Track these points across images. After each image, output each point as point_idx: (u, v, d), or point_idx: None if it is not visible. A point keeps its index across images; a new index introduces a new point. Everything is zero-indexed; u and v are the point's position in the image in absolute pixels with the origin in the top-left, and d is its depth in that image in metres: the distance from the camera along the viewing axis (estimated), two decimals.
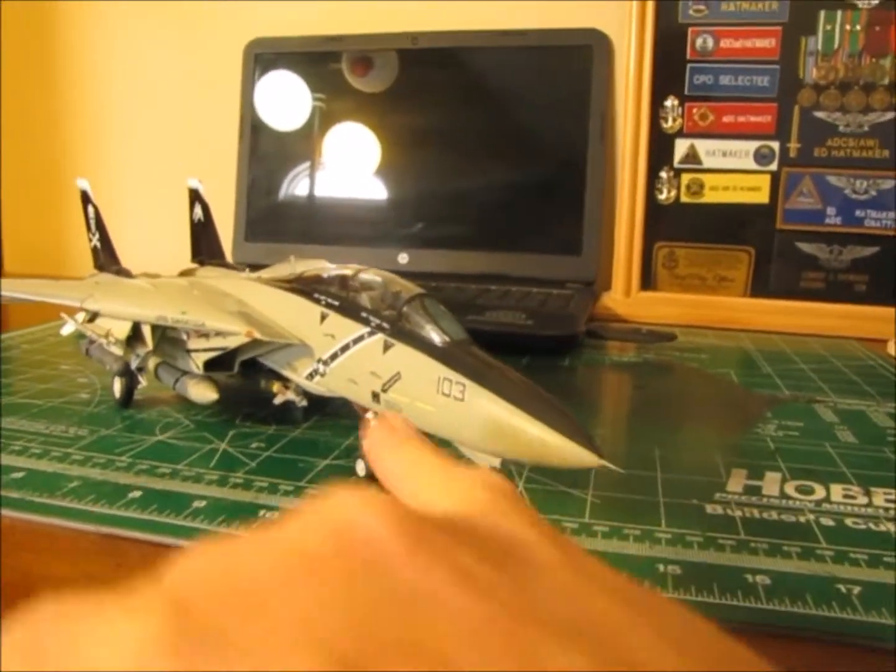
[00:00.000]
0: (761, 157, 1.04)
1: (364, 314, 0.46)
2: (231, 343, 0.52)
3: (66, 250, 1.48)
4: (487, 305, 0.96)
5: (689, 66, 1.05)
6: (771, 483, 0.51)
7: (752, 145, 1.04)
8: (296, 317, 0.51)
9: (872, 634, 0.35)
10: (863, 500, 0.49)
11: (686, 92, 1.05)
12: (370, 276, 0.49)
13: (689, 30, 1.04)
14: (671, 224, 1.08)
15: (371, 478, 0.48)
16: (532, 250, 1.17)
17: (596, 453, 0.36)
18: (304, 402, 0.55)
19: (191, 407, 0.62)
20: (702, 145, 1.06)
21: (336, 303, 0.48)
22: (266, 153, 1.29)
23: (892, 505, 0.48)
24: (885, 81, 0.99)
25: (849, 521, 0.46)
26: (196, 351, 0.56)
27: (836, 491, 0.50)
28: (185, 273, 0.79)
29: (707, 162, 1.06)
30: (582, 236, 1.14)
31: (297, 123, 1.27)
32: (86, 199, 0.77)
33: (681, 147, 1.07)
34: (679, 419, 0.66)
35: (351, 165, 1.25)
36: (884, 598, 0.37)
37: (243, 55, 1.27)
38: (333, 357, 0.47)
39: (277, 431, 0.58)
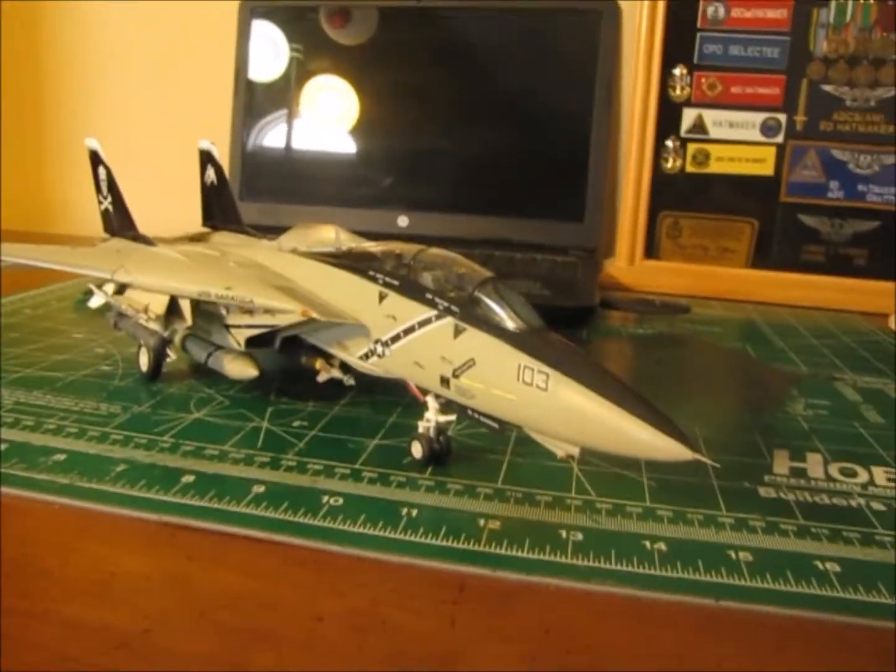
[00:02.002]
0: (768, 129, 1.04)
1: (429, 296, 0.45)
2: (281, 321, 0.51)
3: (51, 207, 1.43)
4: (499, 274, 0.95)
5: (699, 34, 1.04)
6: (814, 465, 0.52)
7: (760, 117, 1.04)
8: (350, 295, 0.49)
9: None
10: None
11: (695, 61, 1.05)
12: (432, 255, 0.48)
13: None
14: (676, 194, 1.08)
15: (427, 460, 0.48)
16: (534, 216, 1.16)
17: (689, 447, 0.36)
18: (352, 381, 0.54)
19: (220, 381, 0.61)
20: (709, 115, 1.05)
21: (395, 282, 0.47)
22: (261, 111, 1.25)
23: None
24: (894, 57, 0.99)
25: None
26: (237, 327, 0.54)
27: (879, 474, 0.51)
28: (197, 237, 0.76)
29: (714, 132, 1.06)
30: (585, 203, 1.13)
31: (290, 80, 1.24)
32: (96, 159, 0.73)
33: (688, 116, 1.06)
34: (710, 396, 0.66)
35: (347, 124, 1.22)
36: None
37: (239, 9, 1.22)
38: (395, 339, 0.46)
39: (316, 408, 0.57)
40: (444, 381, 0.43)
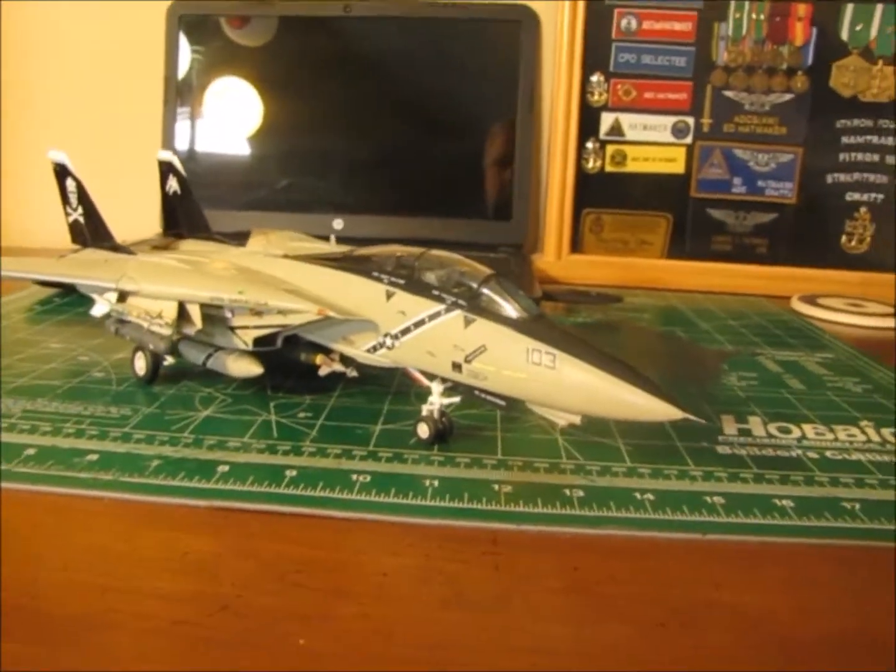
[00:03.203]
0: (678, 131, 1.14)
1: (435, 292, 0.51)
2: (293, 321, 0.55)
3: None
4: None
5: (614, 44, 1.13)
6: (756, 426, 0.61)
7: (670, 120, 1.14)
8: (356, 295, 0.54)
9: (881, 538, 0.45)
10: (830, 436, 0.60)
11: (611, 69, 1.14)
12: (434, 256, 0.54)
13: (615, 10, 1.12)
14: (597, 192, 1.17)
15: (434, 439, 0.53)
16: (464, 216, 1.23)
17: (679, 407, 0.43)
18: (355, 373, 0.59)
19: (215, 381, 0.64)
20: (625, 119, 1.15)
21: (401, 282, 0.53)
22: (191, 117, 1.26)
23: (853, 438, 0.59)
24: (784, 67, 1.11)
25: (828, 454, 0.56)
26: (243, 328, 0.58)
27: (808, 430, 0.60)
28: (162, 245, 0.79)
29: (630, 134, 1.15)
30: (512, 202, 1.21)
31: (221, 86, 1.26)
32: (64, 172, 0.75)
33: (606, 120, 1.15)
34: (657, 374, 0.74)
35: (279, 129, 1.26)
36: (880, 510, 0.47)
37: (167, 16, 1.23)
38: (405, 332, 0.52)
39: (314, 401, 0.62)
40: (456, 367, 0.49)
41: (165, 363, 0.64)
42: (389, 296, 0.53)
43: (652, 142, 1.15)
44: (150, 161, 0.81)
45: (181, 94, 1.26)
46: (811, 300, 1.04)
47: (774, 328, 0.93)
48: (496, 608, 0.37)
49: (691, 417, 0.44)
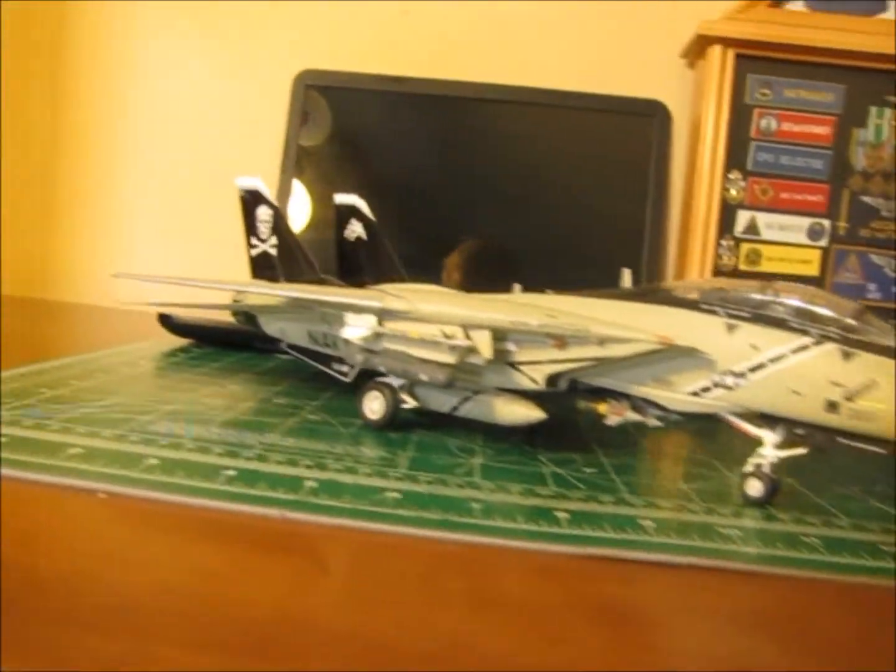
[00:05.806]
0: (813, 233, 1.13)
1: (795, 324, 0.45)
2: (614, 353, 0.49)
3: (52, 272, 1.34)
4: None
5: (753, 143, 1.13)
6: None
7: (806, 221, 1.13)
8: (681, 328, 0.48)
9: None
10: None
11: (749, 167, 1.13)
12: (782, 287, 0.49)
13: (755, 110, 1.12)
14: None
15: (766, 496, 0.46)
16: None
17: None
18: (659, 424, 0.52)
19: (452, 430, 0.57)
20: (761, 218, 1.13)
21: (744, 314, 0.47)
22: (308, 183, 1.23)
23: None
24: None
25: None
26: (532, 364, 0.51)
27: None
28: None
29: (765, 234, 1.14)
30: None
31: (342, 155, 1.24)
32: (255, 199, 0.69)
33: (742, 218, 1.14)
34: None
35: (406, 206, 1.23)
36: None
37: (292, 85, 1.22)
38: (756, 368, 0.45)
39: (592, 458, 0.54)
40: (832, 406, 0.43)
41: (406, 406, 0.57)
42: (731, 329, 0.47)
43: (787, 242, 1.13)
44: None
45: (301, 161, 1.23)
46: None
47: None
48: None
49: None
